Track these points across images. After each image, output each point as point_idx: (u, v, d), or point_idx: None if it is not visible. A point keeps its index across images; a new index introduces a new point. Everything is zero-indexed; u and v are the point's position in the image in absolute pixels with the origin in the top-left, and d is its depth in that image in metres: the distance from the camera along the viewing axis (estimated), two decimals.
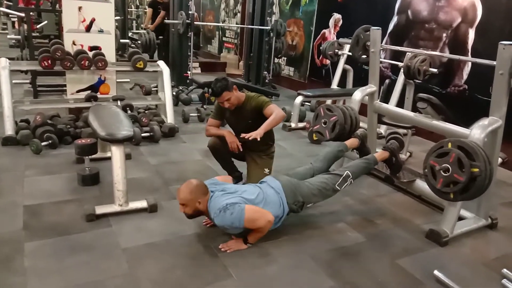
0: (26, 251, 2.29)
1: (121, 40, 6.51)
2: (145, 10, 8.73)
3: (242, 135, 2.79)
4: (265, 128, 2.85)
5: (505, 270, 2.40)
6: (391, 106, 4.19)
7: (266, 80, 7.06)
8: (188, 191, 2.38)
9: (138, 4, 13.38)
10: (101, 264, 2.24)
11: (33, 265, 2.19)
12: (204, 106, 5.43)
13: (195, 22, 6.20)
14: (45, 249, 2.34)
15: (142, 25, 11.91)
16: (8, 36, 7.29)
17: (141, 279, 2.14)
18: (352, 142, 3.16)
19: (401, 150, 4.14)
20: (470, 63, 4.72)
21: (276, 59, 7.38)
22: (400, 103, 4.78)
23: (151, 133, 4.26)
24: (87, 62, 4.25)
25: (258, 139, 2.71)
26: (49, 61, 4.12)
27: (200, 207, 2.41)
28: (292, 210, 2.64)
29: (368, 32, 3.56)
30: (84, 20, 4.46)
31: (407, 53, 4.36)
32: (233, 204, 2.35)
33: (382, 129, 5.00)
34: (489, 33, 4.52)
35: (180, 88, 6.32)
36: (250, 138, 2.77)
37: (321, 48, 6.31)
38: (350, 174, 2.81)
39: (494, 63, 2.65)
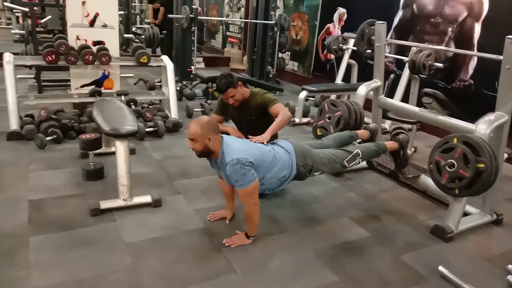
0: (30, 245, 2.31)
1: (125, 35, 6.52)
2: (149, 5, 8.75)
3: (250, 138, 2.77)
4: (271, 132, 2.83)
5: (510, 266, 2.38)
6: (396, 101, 4.16)
7: (270, 75, 7.04)
8: (199, 125, 2.29)
9: None
10: (105, 258, 2.25)
11: (37, 258, 2.20)
12: (208, 101, 5.42)
13: (198, 17, 6.18)
14: (50, 243, 2.35)
15: (146, 20, 11.91)
16: (13, 31, 7.30)
17: (144, 274, 2.15)
18: (362, 132, 3.16)
19: (407, 145, 4.11)
20: (475, 58, 4.68)
21: (280, 53, 7.35)
22: (405, 98, 4.75)
23: (155, 128, 4.26)
24: (91, 57, 4.25)
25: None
26: (53, 56, 4.12)
27: (210, 144, 2.31)
28: (300, 174, 2.61)
29: (373, 27, 3.54)
30: (88, 15, 4.46)
31: (412, 48, 4.32)
32: (251, 167, 2.30)
33: (387, 124, 4.98)
34: (495, 27, 4.48)
35: (184, 83, 6.32)
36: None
37: (325, 42, 6.28)
38: (360, 153, 2.80)
39: (501, 57, 2.63)
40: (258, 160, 2.38)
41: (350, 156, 2.76)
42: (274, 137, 3.20)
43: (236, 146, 2.38)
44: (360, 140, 3.19)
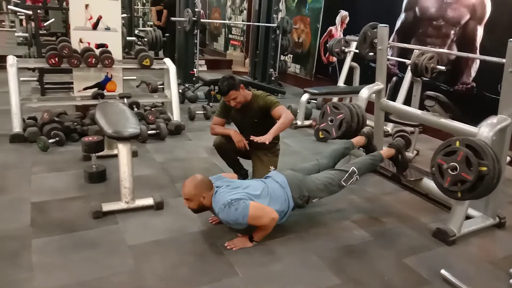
0: (33, 247, 2.31)
1: (128, 38, 6.53)
2: (152, 7, 8.77)
3: (252, 137, 2.77)
4: (274, 133, 2.84)
5: None
6: (398, 104, 4.15)
7: (272, 78, 7.04)
8: (193, 186, 2.38)
9: (144, 1, 13.40)
10: (108, 260, 2.26)
11: (40, 261, 2.21)
12: (210, 103, 5.43)
13: (201, 20, 6.20)
14: (52, 245, 2.35)
15: (148, 23, 11.95)
16: (16, 34, 7.34)
17: (147, 276, 2.15)
18: (358, 140, 3.15)
19: (408, 148, 4.11)
20: (478, 61, 4.67)
21: (282, 56, 7.35)
22: (407, 101, 4.74)
23: (157, 131, 4.27)
24: (94, 59, 4.27)
25: (267, 143, 2.69)
26: (56, 59, 4.14)
27: (204, 202, 2.41)
28: (298, 205, 2.63)
29: (375, 29, 3.53)
30: (91, 18, 4.48)
31: (415, 51, 4.32)
32: (238, 200, 2.35)
33: (389, 127, 4.97)
34: (498, 30, 4.47)
35: (186, 85, 6.33)
36: (258, 141, 2.76)
37: (327, 45, 6.28)
38: (356, 170, 2.80)
39: (503, 60, 2.62)
40: (247, 196, 2.42)
41: (347, 175, 2.76)
42: (276, 139, 3.21)
43: (222, 195, 2.42)
44: (359, 146, 3.19)
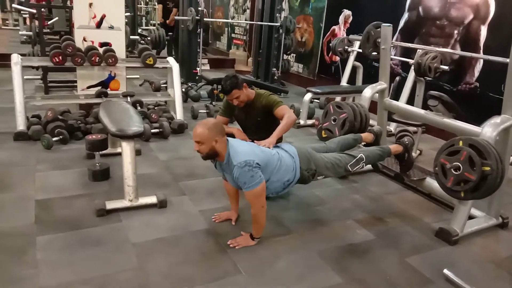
0: (38, 245, 2.33)
1: (131, 37, 6.54)
2: (155, 7, 8.70)
3: (256, 142, 2.77)
4: (277, 135, 2.83)
5: None
6: (401, 103, 4.15)
7: (275, 77, 7.04)
8: (206, 128, 2.29)
9: (147, 0, 13.41)
10: (111, 258, 2.27)
11: (44, 258, 2.22)
12: (213, 102, 5.43)
13: (204, 19, 6.20)
14: (57, 242, 2.37)
15: (151, 22, 11.95)
16: (20, 32, 7.37)
17: (150, 274, 2.16)
18: (367, 136, 3.16)
19: (411, 147, 4.11)
20: (481, 61, 4.66)
21: (285, 55, 7.35)
22: (411, 101, 4.74)
23: (161, 129, 4.28)
24: (97, 58, 4.28)
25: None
26: (60, 57, 4.15)
27: (216, 147, 2.31)
28: (303, 178, 2.63)
29: (378, 29, 3.54)
30: (95, 17, 4.49)
31: (418, 50, 4.32)
32: (258, 169, 2.32)
33: (392, 127, 4.97)
34: (502, 30, 4.46)
35: (189, 84, 6.34)
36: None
37: (330, 44, 6.28)
38: (364, 157, 2.80)
39: (507, 60, 2.61)
40: (264, 163, 2.40)
41: (354, 160, 2.76)
42: (279, 140, 3.21)
43: (243, 148, 2.39)
44: (365, 143, 3.19)
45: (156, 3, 10.03)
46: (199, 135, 2.29)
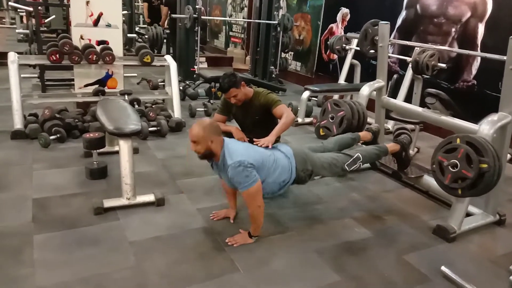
0: (35, 243, 2.32)
1: (128, 35, 6.52)
2: (145, 3, 8.45)
3: (255, 141, 2.77)
4: (276, 134, 2.82)
5: None
6: (399, 101, 4.16)
7: (273, 75, 7.04)
8: (202, 128, 2.30)
9: None
10: (109, 257, 2.26)
11: (41, 257, 2.21)
12: (211, 101, 5.43)
13: (202, 17, 6.19)
14: (54, 241, 2.36)
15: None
16: (17, 31, 7.35)
17: (148, 272, 2.16)
18: (365, 134, 3.16)
19: (409, 145, 4.11)
20: (479, 58, 4.67)
21: (283, 53, 7.35)
22: (408, 98, 4.75)
23: (158, 128, 4.27)
24: (94, 56, 4.27)
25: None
26: (57, 55, 4.14)
27: (212, 147, 2.33)
28: (300, 178, 2.62)
29: (376, 27, 3.54)
30: (92, 15, 4.48)
31: (416, 48, 4.33)
32: (253, 169, 2.32)
33: (390, 125, 4.97)
34: (499, 28, 4.47)
35: (187, 82, 6.33)
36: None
37: (328, 42, 6.28)
38: (360, 157, 2.80)
39: (504, 58, 2.62)
40: (259, 163, 2.40)
41: (351, 160, 2.76)
42: (276, 140, 3.20)
43: (237, 148, 2.39)
44: (363, 141, 3.19)
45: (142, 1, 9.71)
46: (195, 135, 2.31)
